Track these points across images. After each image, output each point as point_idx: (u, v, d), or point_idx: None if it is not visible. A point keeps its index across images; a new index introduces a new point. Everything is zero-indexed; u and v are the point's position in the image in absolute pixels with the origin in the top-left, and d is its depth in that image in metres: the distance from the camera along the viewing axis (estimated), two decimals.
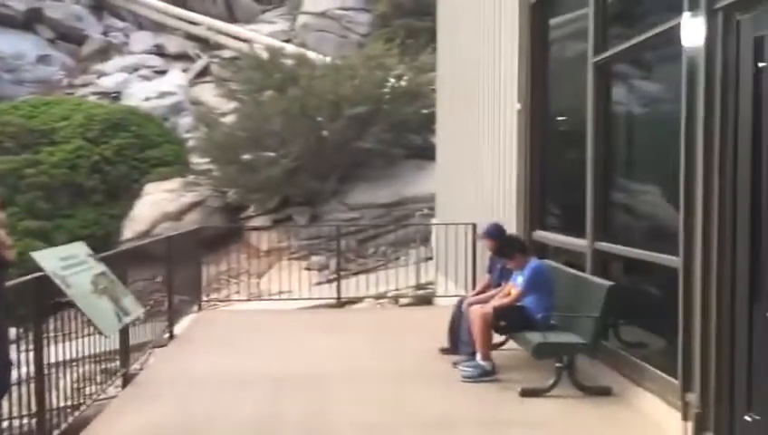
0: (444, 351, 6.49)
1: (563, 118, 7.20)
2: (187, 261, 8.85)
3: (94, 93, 23.74)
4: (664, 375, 4.68)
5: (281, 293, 12.24)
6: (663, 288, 4.94)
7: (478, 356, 5.72)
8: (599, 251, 5.81)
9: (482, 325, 5.61)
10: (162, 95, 22.44)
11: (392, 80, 17.26)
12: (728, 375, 3.99)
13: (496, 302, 5.84)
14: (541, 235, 7.19)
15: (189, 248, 8.88)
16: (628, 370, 5.23)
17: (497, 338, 6.06)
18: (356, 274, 14.33)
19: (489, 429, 4.65)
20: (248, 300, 10.64)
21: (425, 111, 16.82)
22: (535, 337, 5.25)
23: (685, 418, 4.30)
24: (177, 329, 7.87)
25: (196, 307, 9.04)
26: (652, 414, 4.75)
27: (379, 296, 12.13)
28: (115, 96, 23.42)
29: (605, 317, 5.18)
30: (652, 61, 5.40)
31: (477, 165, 9.30)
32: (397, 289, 12.27)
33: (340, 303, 9.90)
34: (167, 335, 7.25)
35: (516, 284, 5.84)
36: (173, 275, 7.63)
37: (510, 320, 5.66)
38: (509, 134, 7.93)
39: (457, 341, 6.34)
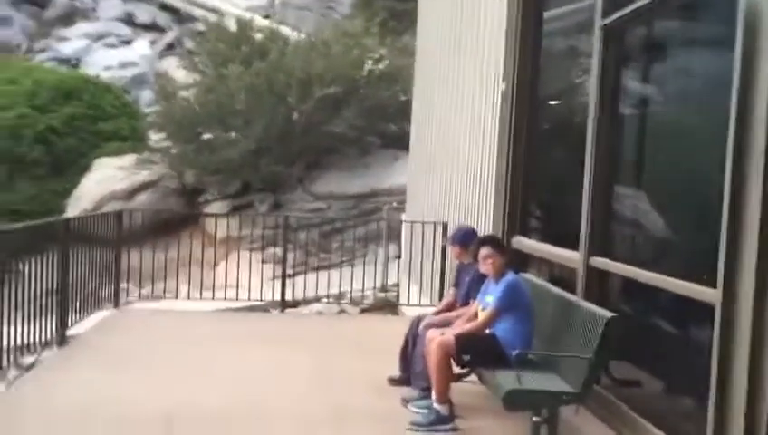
0: (393, 381, 5.20)
1: (558, 101, 5.92)
2: (104, 247, 7.49)
3: (53, 59, 22.12)
4: None
5: (228, 286, 10.97)
6: (687, 327, 3.69)
7: (433, 396, 4.42)
8: (594, 269, 4.54)
9: (440, 358, 4.31)
10: (124, 65, 20.90)
11: (370, 62, 15.91)
12: None
13: (459, 327, 4.54)
14: (521, 241, 5.91)
15: (107, 234, 7.50)
16: (625, 427, 3.97)
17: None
18: (317, 269, 13.05)
19: None
20: (159, 298, 9.18)
21: (403, 98, 15.51)
22: (507, 380, 3.95)
23: None
24: (80, 329, 6.51)
25: (111, 304, 7.67)
26: None
27: (337, 298, 10.82)
28: (74, 64, 21.83)
29: (602, 359, 3.90)
30: (686, 22, 4.11)
31: (452, 156, 8.02)
32: (356, 290, 10.97)
33: (285, 305, 8.55)
34: (56, 339, 5.88)
35: (485, 304, 4.54)
36: (74, 264, 6.26)
37: (476, 352, 4.36)
38: (490, 120, 6.65)
39: (410, 370, 5.05)
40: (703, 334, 3.63)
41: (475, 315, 4.58)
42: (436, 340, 4.37)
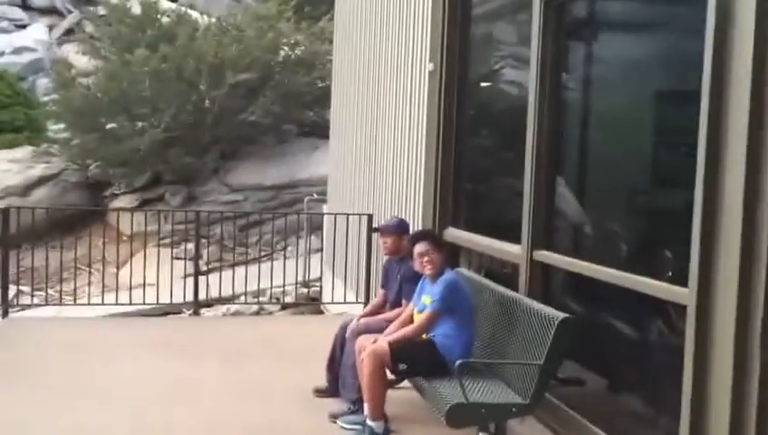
0: (320, 392, 4.69)
1: (493, 82, 5.52)
2: None
3: None
4: None
5: (138, 287, 10.17)
6: (646, 326, 3.33)
7: (366, 409, 3.95)
8: (539, 263, 4.15)
9: (373, 369, 3.82)
10: (19, 51, 19.38)
11: (286, 47, 15.21)
12: None
13: (393, 333, 4.06)
14: (454, 234, 5.50)
15: None
16: None
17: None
18: (234, 265, 12.41)
19: None
20: (56, 304, 8.37)
21: (321, 85, 14.93)
22: (450, 393, 3.51)
23: None
24: None
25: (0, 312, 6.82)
26: None
27: (256, 295, 10.19)
28: None
29: (553, 365, 3.51)
30: None
31: (377, 143, 7.54)
32: (276, 286, 10.37)
33: (198, 306, 7.87)
34: None
35: (421, 306, 4.08)
36: None
37: (413, 361, 3.90)
38: (417, 104, 6.20)
39: (338, 380, 4.55)
40: (665, 334, 3.29)
41: (411, 319, 4.12)
42: (368, 348, 3.88)
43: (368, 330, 4.30)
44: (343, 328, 4.65)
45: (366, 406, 3.94)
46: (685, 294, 2.74)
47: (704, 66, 2.67)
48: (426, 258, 4.00)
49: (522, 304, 3.85)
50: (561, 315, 3.44)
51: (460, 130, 5.60)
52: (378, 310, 4.80)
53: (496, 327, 4.03)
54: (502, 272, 4.78)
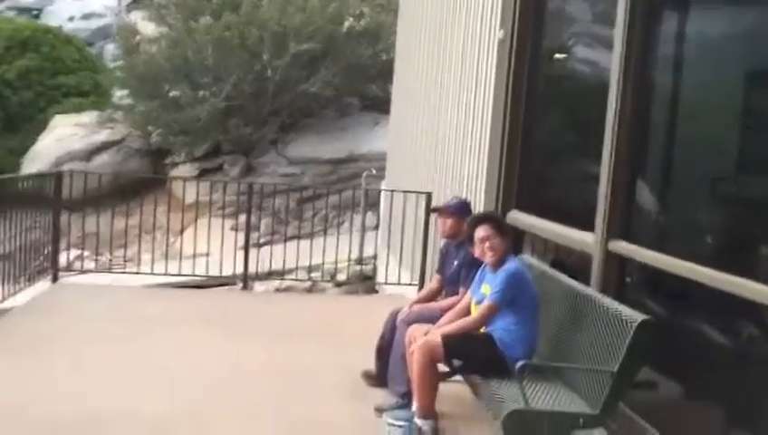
0: (368, 377, 4.38)
1: (568, 54, 5.04)
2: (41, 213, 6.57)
3: (12, 9, 20.75)
4: None
5: (193, 256, 10.10)
6: (741, 333, 2.90)
7: (414, 405, 3.61)
8: (614, 255, 3.71)
9: (424, 364, 3.48)
10: (88, 16, 19.60)
11: (350, 18, 14.84)
12: None
13: (448, 325, 3.70)
14: (518, 218, 5.08)
15: (42, 199, 6.56)
16: None
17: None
18: (286, 239, 12.26)
19: None
20: (105, 270, 8.30)
21: (385, 58, 14.53)
22: (509, 396, 3.14)
23: None
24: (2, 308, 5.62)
25: (50, 276, 6.75)
26: None
27: (309, 270, 9.98)
28: (35, 14, 20.48)
29: (629, 373, 3.09)
30: None
31: (439, 118, 7.13)
32: (330, 262, 10.13)
33: (248, 280, 7.67)
34: None
35: (480, 296, 3.70)
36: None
37: (468, 357, 3.54)
38: (484, 77, 5.77)
39: (386, 370, 4.23)
40: (760, 341, 2.85)
41: (468, 310, 3.75)
42: (419, 340, 3.54)
43: (420, 319, 3.96)
44: (394, 315, 4.32)
45: (414, 401, 3.61)
46: None
47: None
48: (487, 244, 3.62)
49: (594, 301, 3.43)
50: (641, 317, 3.02)
51: (529, 106, 5.15)
52: (432, 296, 4.45)
53: (563, 325, 3.63)
54: (571, 262, 4.36)
